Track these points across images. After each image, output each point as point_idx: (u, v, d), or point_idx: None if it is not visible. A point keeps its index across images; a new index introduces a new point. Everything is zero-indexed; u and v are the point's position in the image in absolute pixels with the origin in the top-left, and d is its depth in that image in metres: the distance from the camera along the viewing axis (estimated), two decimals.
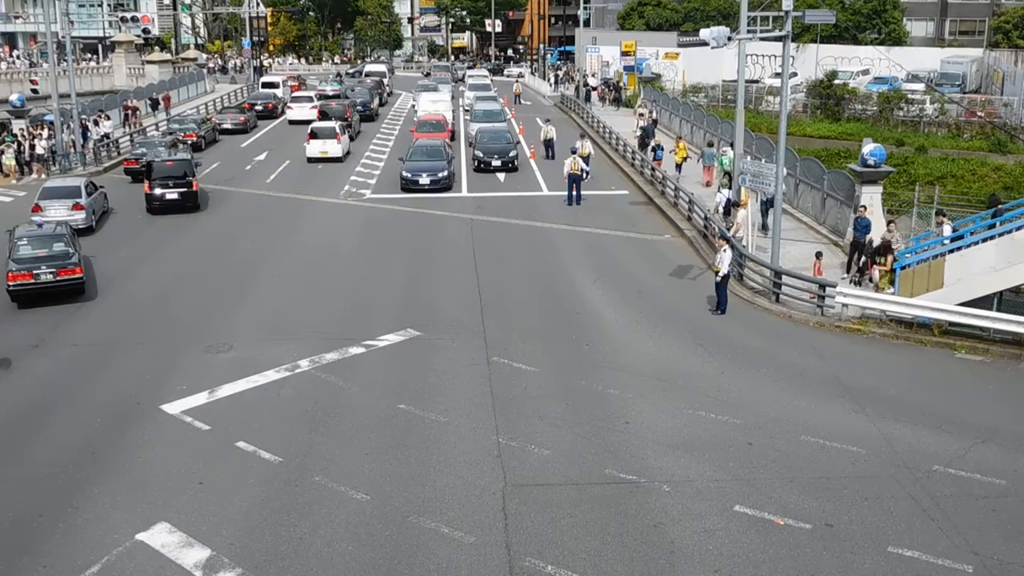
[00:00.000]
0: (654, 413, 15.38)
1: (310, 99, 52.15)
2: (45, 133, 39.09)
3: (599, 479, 13.28)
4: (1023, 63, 51.48)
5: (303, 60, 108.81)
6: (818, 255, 21.99)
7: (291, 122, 51.17)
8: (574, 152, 31.90)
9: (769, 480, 13.23)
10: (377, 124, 53.29)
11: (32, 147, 37.58)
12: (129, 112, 49.41)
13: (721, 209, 26.93)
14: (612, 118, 50.58)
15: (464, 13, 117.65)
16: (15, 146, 37.28)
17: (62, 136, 37.85)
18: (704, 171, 34.10)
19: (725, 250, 20.23)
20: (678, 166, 34.45)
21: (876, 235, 22.46)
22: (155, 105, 53.96)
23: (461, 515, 12.33)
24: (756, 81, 60.19)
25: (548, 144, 40.20)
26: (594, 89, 62.63)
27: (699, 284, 22.45)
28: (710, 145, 35.45)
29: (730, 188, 26.85)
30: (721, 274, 20.24)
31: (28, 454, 14.20)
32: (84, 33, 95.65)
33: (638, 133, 40.74)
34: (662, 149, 36.83)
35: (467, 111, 50.93)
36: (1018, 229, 20.32)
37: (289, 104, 53.15)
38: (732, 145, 32.70)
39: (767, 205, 24.91)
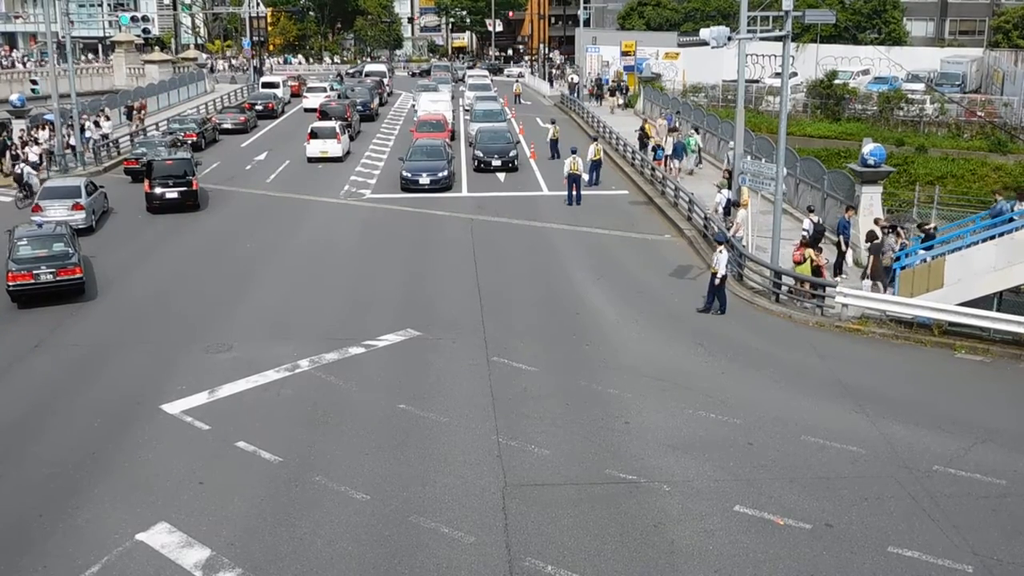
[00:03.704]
0: (654, 413, 15.38)
1: (324, 89, 59.06)
2: (45, 135, 38.96)
3: (599, 479, 13.28)
4: (1023, 63, 51.45)
5: (304, 60, 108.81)
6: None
7: (306, 110, 56.45)
8: (574, 152, 31.88)
9: (769, 480, 13.23)
10: (377, 124, 53.33)
11: (15, 157, 35.83)
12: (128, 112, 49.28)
13: (721, 209, 26.94)
14: (611, 118, 50.58)
15: (464, 13, 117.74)
16: (11, 150, 36.89)
17: (61, 136, 37.77)
18: None
19: (721, 251, 20.23)
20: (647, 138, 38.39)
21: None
22: (129, 114, 49.02)
23: (461, 515, 12.33)
24: (756, 81, 60.13)
25: (553, 144, 40.20)
26: (586, 87, 63.50)
27: (699, 284, 22.43)
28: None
29: (730, 188, 26.85)
30: (719, 275, 20.24)
31: (28, 454, 14.20)
32: (84, 33, 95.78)
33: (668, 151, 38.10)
34: (662, 149, 36.87)
35: (467, 111, 50.94)
36: (1018, 229, 20.29)
37: (305, 94, 60.61)
38: (696, 129, 36.33)
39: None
